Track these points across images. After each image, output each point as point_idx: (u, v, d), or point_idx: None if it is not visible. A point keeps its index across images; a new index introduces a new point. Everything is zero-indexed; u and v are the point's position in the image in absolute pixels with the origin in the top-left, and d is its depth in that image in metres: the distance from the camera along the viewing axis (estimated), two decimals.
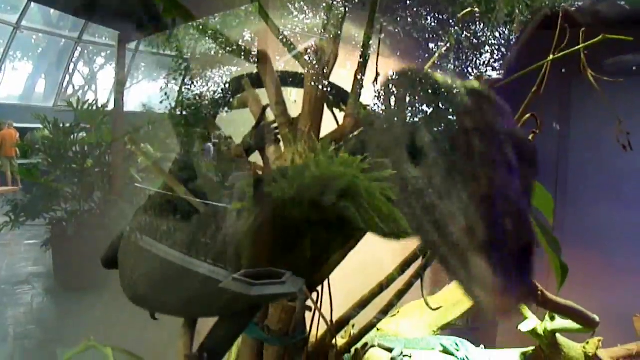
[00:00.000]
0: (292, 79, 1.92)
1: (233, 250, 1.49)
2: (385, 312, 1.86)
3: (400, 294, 1.83)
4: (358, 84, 1.73)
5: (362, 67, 1.72)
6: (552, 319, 2.19)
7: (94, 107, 6.29)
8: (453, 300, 2.35)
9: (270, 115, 1.86)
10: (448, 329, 2.45)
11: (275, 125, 1.78)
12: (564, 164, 4.11)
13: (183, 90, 2.53)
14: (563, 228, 3.53)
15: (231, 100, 2.02)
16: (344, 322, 1.79)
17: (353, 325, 2.00)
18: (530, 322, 2.21)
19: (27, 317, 5.39)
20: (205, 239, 1.38)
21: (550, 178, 3.92)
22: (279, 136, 1.76)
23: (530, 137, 1.59)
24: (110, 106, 6.42)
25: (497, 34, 1.78)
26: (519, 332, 2.27)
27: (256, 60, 1.85)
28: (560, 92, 3.81)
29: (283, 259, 1.24)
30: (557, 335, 2.24)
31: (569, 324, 2.17)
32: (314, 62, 1.72)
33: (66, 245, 5.90)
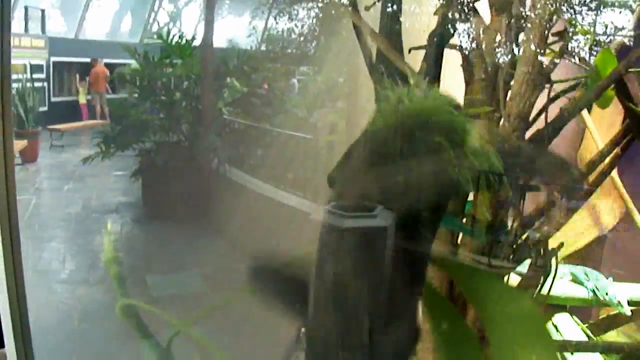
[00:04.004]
0: None
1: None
2: None
3: None
4: None
5: None
6: None
7: (183, 41, 6.30)
8: (576, 230, 2.23)
9: None
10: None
11: None
12: None
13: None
14: None
15: None
16: None
17: None
18: None
19: (117, 244, 5.57)
20: None
21: None
22: None
23: None
24: (197, 41, 6.42)
25: None
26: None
27: None
28: None
29: (377, 193, 1.18)
30: None
31: None
32: None
33: (155, 176, 6.01)
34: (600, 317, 2.14)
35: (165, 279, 4.79)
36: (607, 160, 1.64)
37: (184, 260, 4.99)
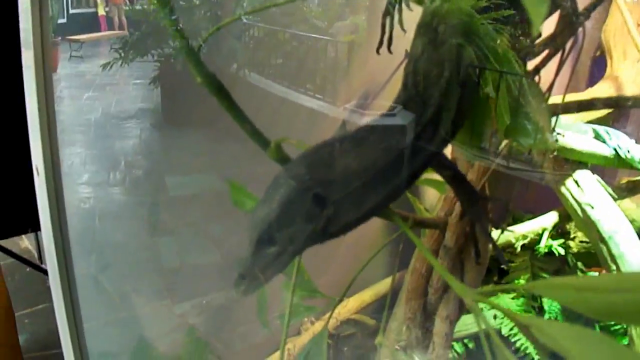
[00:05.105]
0: None
1: None
2: None
3: None
4: None
5: None
6: None
7: None
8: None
9: None
10: None
11: None
12: None
13: None
14: None
15: None
16: None
17: None
18: None
19: (136, 149, 5.65)
20: None
21: None
22: None
23: None
24: None
25: None
26: None
27: None
28: None
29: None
30: None
31: None
32: None
33: (174, 81, 6.03)
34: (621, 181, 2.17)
35: (183, 179, 4.88)
36: None
37: (202, 163, 5.07)
